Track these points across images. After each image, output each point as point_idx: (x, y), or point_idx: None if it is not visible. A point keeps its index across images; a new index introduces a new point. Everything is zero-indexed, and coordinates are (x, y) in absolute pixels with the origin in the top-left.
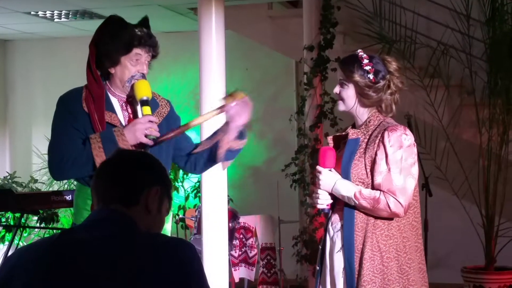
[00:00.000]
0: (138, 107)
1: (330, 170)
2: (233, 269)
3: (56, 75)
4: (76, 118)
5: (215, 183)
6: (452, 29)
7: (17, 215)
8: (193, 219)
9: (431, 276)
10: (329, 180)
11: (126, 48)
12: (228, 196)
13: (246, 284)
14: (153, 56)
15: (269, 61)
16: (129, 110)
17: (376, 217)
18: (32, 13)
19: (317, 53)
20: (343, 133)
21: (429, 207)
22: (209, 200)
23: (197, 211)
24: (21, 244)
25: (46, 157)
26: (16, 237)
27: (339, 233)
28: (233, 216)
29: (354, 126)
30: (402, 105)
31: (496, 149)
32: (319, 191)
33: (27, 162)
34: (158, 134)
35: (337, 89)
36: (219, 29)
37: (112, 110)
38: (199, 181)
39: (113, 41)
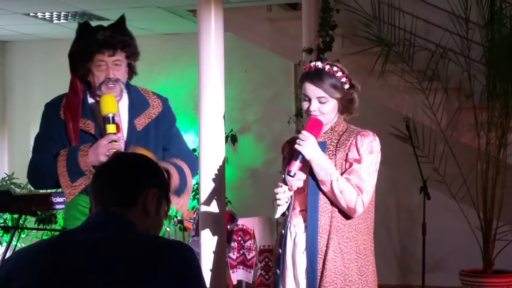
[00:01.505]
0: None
1: None
2: (231, 271)
3: (55, 76)
4: (54, 128)
5: (214, 185)
6: (451, 32)
7: (15, 216)
8: (192, 221)
9: (429, 279)
10: (314, 146)
11: (87, 55)
12: (226, 198)
13: (244, 286)
14: (130, 56)
15: (268, 64)
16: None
17: (338, 219)
18: (31, 14)
19: (316, 56)
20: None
21: (427, 210)
22: (208, 202)
23: (195, 213)
24: (19, 245)
25: None
26: (14, 239)
27: (303, 235)
28: (231, 218)
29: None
30: (400, 108)
31: (494, 152)
32: (280, 189)
33: (26, 164)
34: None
35: (315, 106)
36: (218, 31)
37: (89, 117)
38: (197, 183)
39: (77, 49)
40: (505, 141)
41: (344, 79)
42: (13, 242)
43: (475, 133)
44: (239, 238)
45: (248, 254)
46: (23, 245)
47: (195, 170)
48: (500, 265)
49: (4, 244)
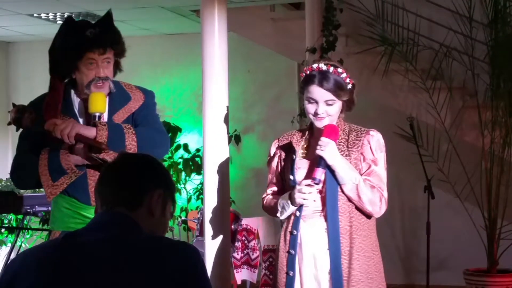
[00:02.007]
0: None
1: None
2: (235, 271)
3: None
4: (36, 127)
5: (218, 185)
6: (455, 31)
7: (20, 216)
8: (196, 221)
9: (434, 278)
10: (335, 151)
11: (77, 54)
12: (230, 198)
13: (248, 286)
14: (118, 54)
15: (271, 63)
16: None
17: (356, 219)
18: (35, 15)
19: (320, 55)
20: (304, 137)
21: (432, 210)
22: (212, 202)
23: (199, 213)
24: (23, 246)
25: None
26: (18, 239)
27: (324, 237)
28: (235, 218)
29: (306, 132)
30: (404, 107)
31: (498, 151)
32: (303, 183)
33: None
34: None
35: (323, 109)
36: (222, 31)
37: (71, 114)
38: (201, 183)
39: (64, 47)
40: (509, 140)
41: (348, 80)
42: (18, 243)
43: (479, 132)
44: (243, 238)
45: (252, 254)
46: (28, 246)
47: (149, 143)
48: (505, 264)
49: (9, 244)
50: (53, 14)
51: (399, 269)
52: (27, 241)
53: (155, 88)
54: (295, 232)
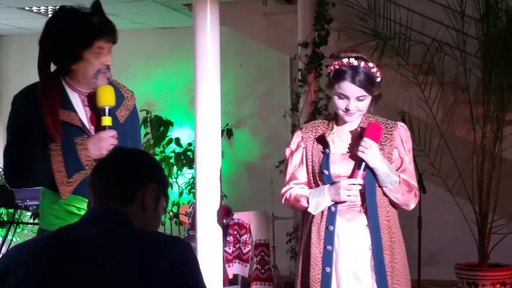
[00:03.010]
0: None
1: None
2: (227, 265)
3: None
4: (32, 120)
5: (210, 179)
6: (447, 26)
7: (11, 210)
8: (187, 215)
9: (425, 272)
10: (378, 154)
11: (87, 41)
12: (222, 192)
13: (240, 280)
14: (114, 43)
15: (264, 58)
16: (92, 104)
17: (392, 213)
18: (26, 8)
19: (312, 50)
20: (331, 130)
21: (423, 204)
22: (204, 196)
23: (191, 207)
24: (14, 240)
25: None
26: (9, 233)
27: (365, 232)
28: (227, 212)
29: (335, 119)
30: (396, 102)
31: (490, 146)
32: (353, 180)
33: None
34: None
35: (353, 105)
36: (214, 25)
37: (70, 108)
38: (193, 177)
39: (71, 35)
40: (500, 134)
41: (378, 73)
42: (9, 237)
43: (470, 127)
44: (235, 232)
45: (244, 248)
46: (19, 240)
47: None
48: (496, 259)
49: (0, 238)
50: (44, 8)
51: None
52: (18, 235)
53: (148, 82)
54: (331, 227)
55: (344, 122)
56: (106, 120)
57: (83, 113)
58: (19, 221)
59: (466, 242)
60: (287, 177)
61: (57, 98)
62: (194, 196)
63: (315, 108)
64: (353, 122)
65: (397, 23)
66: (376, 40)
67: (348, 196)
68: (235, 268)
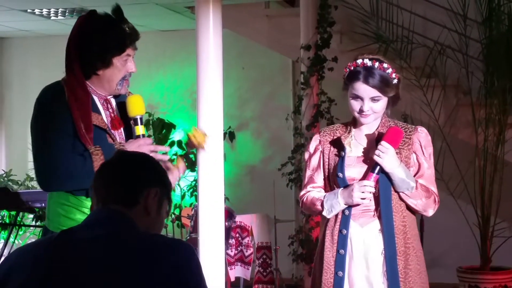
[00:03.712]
0: (138, 124)
1: None
2: (229, 268)
3: (53, 73)
4: (63, 122)
5: (212, 181)
6: (449, 29)
7: (13, 213)
8: (189, 218)
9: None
10: (394, 159)
11: (120, 48)
12: (224, 195)
13: (242, 283)
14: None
15: (266, 60)
16: (110, 109)
17: (408, 218)
18: (29, 11)
19: (314, 53)
20: (349, 133)
21: None
22: (206, 199)
23: (193, 210)
24: (16, 242)
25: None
26: (11, 235)
27: (378, 237)
28: (229, 215)
29: (354, 123)
30: (398, 104)
31: (492, 149)
32: (365, 182)
33: (23, 160)
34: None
35: (368, 106)
36: (217, 28)
37: (97, 111)
38: (195, 180)
39: (106, 41)
40: (503, 138)
41: (394, 75)
42: (11, 239)
43: (473, 130)
44: (237, 235)
45: (246, 251)
46: (21, 242)
47: None
48: (498, 262)
49: (2, 241)
50: (47, 10)
51: None
52: (20, 238)
53: (150, 85)
54: (344, 231)
55: (362, 125)
56: (141, 129)
57: (104, 116)
58: (21, 223)
59: (468, 245)
60: (305, 181)
61: (89, 101)
62: (196, 199)
63: (317, 111)
64: (371, 125)
65: (399, 26)
66: (378, 43)
67: (362, 199)
68: (237, 271)
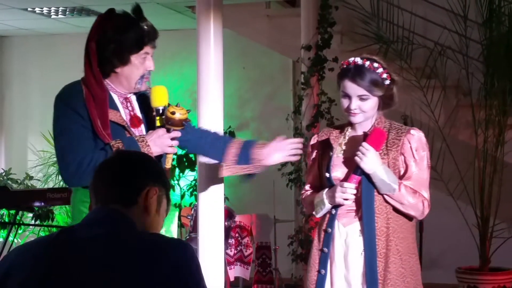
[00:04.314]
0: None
1: None
2: (228, 267)
3: (53, 71)
4: (83, 118)
5: (212, 181)
6: (449, 30)
7: (12, 212)
8: (189, 217)
9: (426, 276)
10: (375, 160)
11: (138, 47)
12: (224, 194)
13: (241, 283)
14: (155, 48)
15: (266, 60)
16: (130, 107)
17: (393, 220)
18: (29, 9)
19: (315, 53)
20: (344, 133)
21: None
22: (206, 199)
23: (193, 210)
24: (16, 241)
25: (42, 154)
26: (11, 234)
27: (357, 237)
28: (229, 215)
29: (350, 125)
30: (398, 105)
31: (492, 150)
32: (346, 184)
33: (23, 159)
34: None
35: (355, 105)
36: (217, 28)
37: (115, 108)
38: (195, 180)
39: (124, 39)
40: (502, 139)
41: (385, 75)
42: (10, 238)
43: (472, 131)
44: (237, 235)
45: (246, 251)
46: (20, 241)
47: None
48: (497, 263)
49: (1, 240)
50: (47, 9)
51: None
52: (20, 237)
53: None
54: (329, 230)
55: (361, 126)
56: (162, 120)
57: (123, 113)
58: (21, 222)
59: (467, 246)
60: (306, 181)
61: (106, 98)
62: (196, 199)
63: (318, 111)
64: (364, 126)
65: (400, 26)
66: (379, 43)
67: (344, 199)
68: (237, 271)
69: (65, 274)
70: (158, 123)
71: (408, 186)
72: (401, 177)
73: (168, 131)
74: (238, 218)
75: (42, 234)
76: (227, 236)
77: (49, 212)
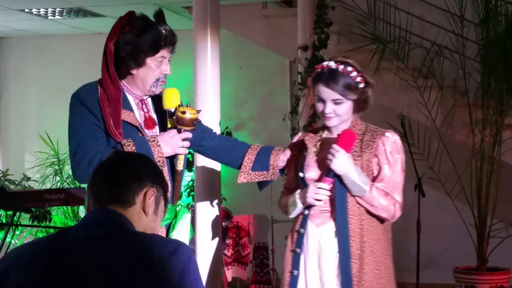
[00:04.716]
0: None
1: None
2: (225, 268)
3: (50, 72)
4: (97, 117)
5: (209, 182)
6: (446, 30)
7: (10, 213)
8: None
9: (424, 276)
10: (346, 162)
11: (154, 49)
12: (221, 195)
13: (239, 283)
14: (173, 53)
15: (263, 61)
16: (145, 108)
17: (368, 221)
18: (26, 10)
19: (311, 53)
20: (320, 135)
21: (422, 208)
22: (203, 199)
23: (190, 210)
24: (13, 242)
25: (39, 155)
26: (8, 235)
27: (333, 239)
28: (226, 215)
29: (327, 129)
30: (395, 105)
31: (489, 150)
32: (320, 184)
33: (20, 160)
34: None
35: (330, 109)
36: (214, 28)
37: (130, 108)
38: (192, 180)
39: (140, 41)
40: (499, 138)
41: (359, 79)
42: (7, 239)
43: (469, 130)
44: (234, 235)
45: (243, 251)
46: (17, 242)
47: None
48: (494, 263)
49: None
50: (44, 10)
51: None
52: (17, 238)
53: None
54: (302, 230)
55: (336, 129)
56: (173, 122)
57: (137, 115)
58: (18, 223)
59: (465, 246)
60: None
61: (120, 98)
62: (194, 199)
63: (315, 111)
64: (340, 128)
65: (396, 26)
66: (375, 43)
67: (317, 200)
68: (234, 271)
69: (63, 275)
70: (169, 125)
71: (380, 188)
72: (374, 179)
73: (179, 131)
74: (235, 219)
75: (39, 235)
76: (224, 236)
77: (46, 213)
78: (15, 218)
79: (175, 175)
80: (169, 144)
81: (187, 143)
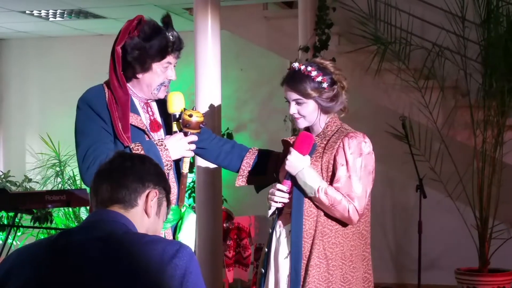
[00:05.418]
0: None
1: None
2: (226, 269)
3: (51, 74)
4: (105, 120)
5: (210, 183)
6: (447, 30)
7: (11, 214)
8: None
9: (425, 277)
10: (298, 163)
11: (161, 55)
12: (222, 196)
13: (240, 285)
14: (179, 58)
15: (264, 62)
16: (150, 112)
17: (324, 224)
18: (27, 12)
19: (312, 54)
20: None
21: (423, 209)
22: (204, 201)
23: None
24: (14, 243)
25: (40, 156)
26: (10, 237)
27: (287, 239)
28: (227, 216)
29: (308, 130)
30: (396, 106)
31: (490, 151)
32: (278, 186)
33: (21, 161)
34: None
35: (294, 109)
36: (215, 29)
37: (136, 112)
38: (193, 182)
39: (147, 47)
40: (501, 139)
41: (319, 78)
42: (9, 240)
43: (471, 131)
44: (235, 237)
45: (244, 253)
46: (19, 244)
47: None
48: (496, 264)
49: (0, 242)
50: (45, 11)
51: (390, 268)
52: (18, 239)
53: None
54: (270, 230)
55: (313, 129)
56: (179, 125)
57: (143, 118)
58: (20, 224)
59: (467, 247)
60: None
61: (128, 102)
62: (195, 200)
63: None
64: (315, 129)
65: (397, 27)
66: (376, 44)
67: (275, 202)
68: (235, 273)
69: (64, 276)
70: (175, 128)
71: (334, 190)
72: (331, 180)
73: (186, 135)
74: (236, 220)
75: (41, 236)
76: (225, 238)
77: (47, 214)
78: (17, 220)
79: (181, 177)
80: (177, 147)
81: (193, 146)
